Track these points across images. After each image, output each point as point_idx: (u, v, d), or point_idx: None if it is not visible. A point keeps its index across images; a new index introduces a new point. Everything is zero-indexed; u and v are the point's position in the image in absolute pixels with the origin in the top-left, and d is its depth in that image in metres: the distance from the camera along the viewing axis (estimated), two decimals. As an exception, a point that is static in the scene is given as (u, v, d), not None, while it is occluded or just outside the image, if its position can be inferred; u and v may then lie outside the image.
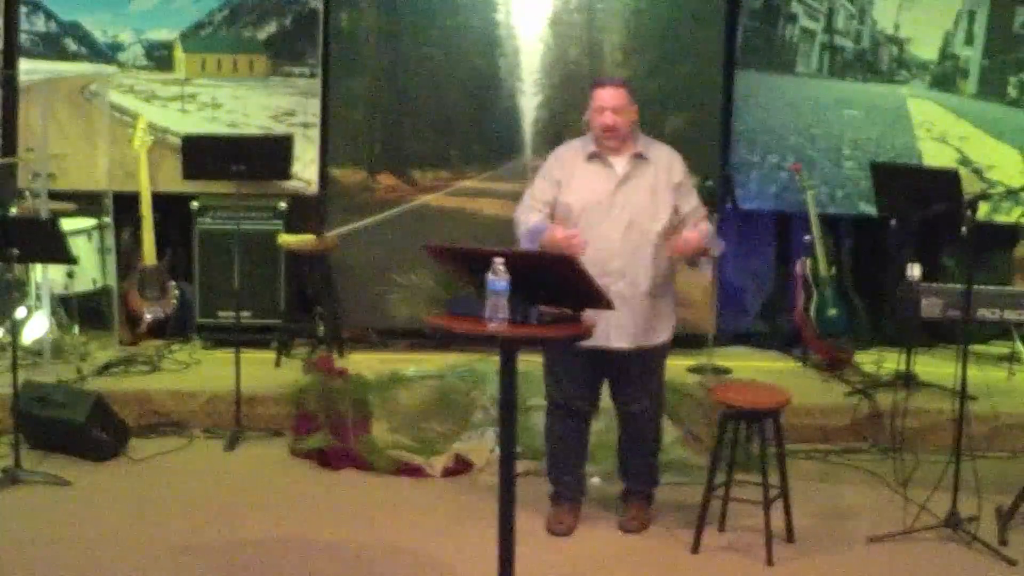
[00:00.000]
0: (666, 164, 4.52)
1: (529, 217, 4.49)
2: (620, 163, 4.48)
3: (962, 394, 4.54)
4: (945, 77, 6.99)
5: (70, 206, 6.50)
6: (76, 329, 6.54)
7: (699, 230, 4.45)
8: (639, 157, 4.49)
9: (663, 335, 4.56)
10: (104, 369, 6.13)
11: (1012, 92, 6.91)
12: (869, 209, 6.68)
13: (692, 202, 4.57)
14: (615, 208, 4.43)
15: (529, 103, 6.83)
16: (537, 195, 4.54)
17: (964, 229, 4.46)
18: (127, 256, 6.73)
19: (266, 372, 6.18)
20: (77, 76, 6.96)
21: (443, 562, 4.35)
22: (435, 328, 3.55)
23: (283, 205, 6.78)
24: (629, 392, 4.60)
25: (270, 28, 7.01)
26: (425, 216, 6.80)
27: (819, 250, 6.51)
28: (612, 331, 4.36)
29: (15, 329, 5.60)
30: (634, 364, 4.52)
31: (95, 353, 6.39)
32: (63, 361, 6.17)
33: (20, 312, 6.17)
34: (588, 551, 4.47)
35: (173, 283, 6.80)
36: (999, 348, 6.71)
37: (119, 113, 6.89)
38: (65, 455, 5.33)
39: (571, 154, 4.56)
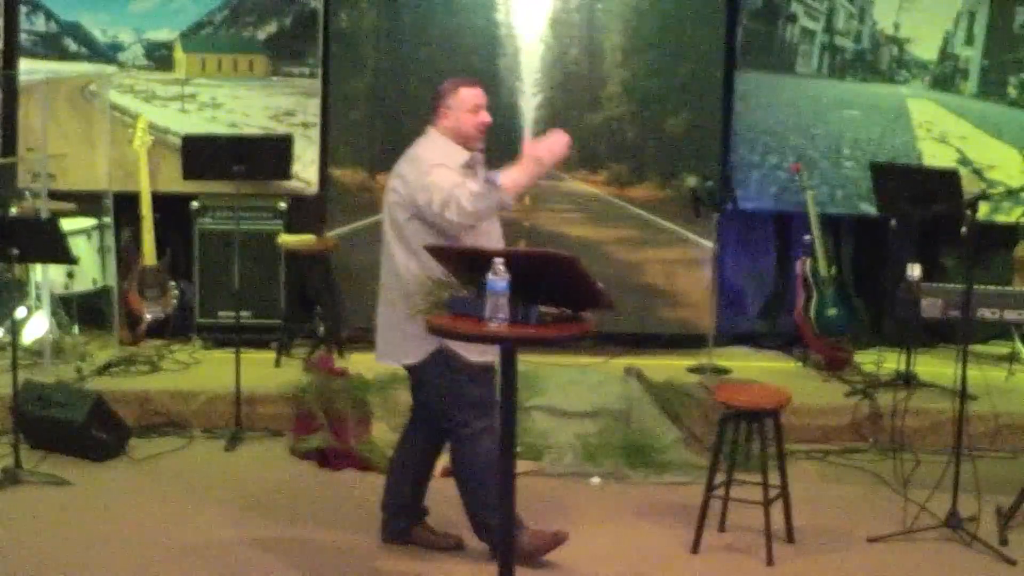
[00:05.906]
0: None
1: (468, 183, 3.95)
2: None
3: (962, 394, 4.53)
4: (945, 77, 6.99)
5: (70, 206, 6.49)
6: (76, 329, 6.54)
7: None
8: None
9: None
10: (104, 369, 6.13)
11: (1012, 92, 6.92)
12: (869, 209, 6.68)
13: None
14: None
15: (529, 103, 6.83)
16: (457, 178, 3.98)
17: (964, 229, 4.46)
18: (127, 256, 6.73)
19: (266, 372, 6.18)
20: (77, 76, 6.96)
21: (444, 562, 4.35)
22: (435, 328, 3.54)
23: (283, 205, 6.79)
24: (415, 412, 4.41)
25: (270, 28, 7.01)
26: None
27: (819, 250, 6.51)
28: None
29: (15, 329, 5.60)
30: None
31: (95, 353, 6.39)
32: (63, 361, 6.16)
33: (20, 312, 6.17)
34: (588, 551, 4.47)
35: (173, 283, 6.80)
36: (999, 348, 6.71)
37: (119, 113, 6.89)
38: (65, 455, 5.33)
39: (454, 161, 4.12)
